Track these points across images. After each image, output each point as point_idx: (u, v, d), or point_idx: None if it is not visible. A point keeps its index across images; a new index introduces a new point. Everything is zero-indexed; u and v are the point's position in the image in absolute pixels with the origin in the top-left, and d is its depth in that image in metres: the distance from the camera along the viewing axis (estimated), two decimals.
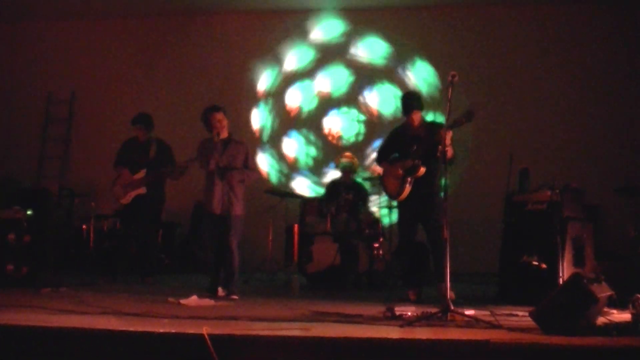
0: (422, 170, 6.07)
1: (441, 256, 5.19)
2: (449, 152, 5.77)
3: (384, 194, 6.98)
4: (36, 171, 10.84)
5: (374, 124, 10.26)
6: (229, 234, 6.38)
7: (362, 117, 10.38)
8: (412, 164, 6.15)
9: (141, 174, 7.70)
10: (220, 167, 6.42)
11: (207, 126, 6.54)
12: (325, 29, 10.65)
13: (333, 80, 10.57)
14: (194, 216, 10.06)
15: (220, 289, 6.36)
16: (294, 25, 10.65)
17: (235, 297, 6.21)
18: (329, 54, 10.59)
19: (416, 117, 6.39)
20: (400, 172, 6.25)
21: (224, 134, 6.55)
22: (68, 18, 10.93)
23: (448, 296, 4.67)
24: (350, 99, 10.46)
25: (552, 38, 9.95)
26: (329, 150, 10.32)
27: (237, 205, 6.43)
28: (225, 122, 6.54)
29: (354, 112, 10.46)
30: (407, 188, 6.18)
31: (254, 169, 6.79)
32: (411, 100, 6.49)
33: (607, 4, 9.81)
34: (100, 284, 7.32)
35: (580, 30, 9.89)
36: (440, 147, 5.42)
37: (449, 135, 5.62)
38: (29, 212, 7.15)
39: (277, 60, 10.67)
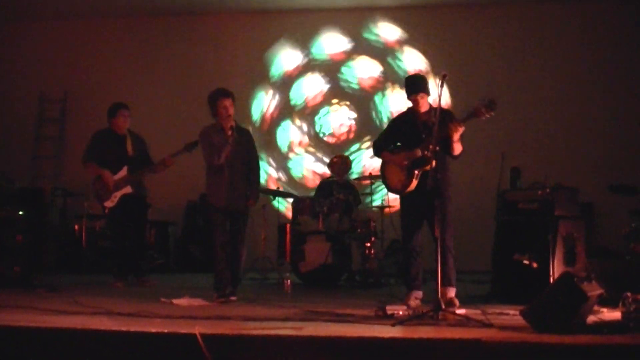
0: (433, 163, 5.00)
1: (444, 258, 4.99)
2: (457, 148, 5.44)
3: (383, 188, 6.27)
4: (30, 171, 10.82)
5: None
6: (239, 232, 6.11)
7: (353, 115, 10.42)
8: (421, 155, 5.42)
9: (123, 172, 7.23)
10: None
11: (213, 111, 6.00)
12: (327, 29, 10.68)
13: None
14: (188, 215, 10.04)
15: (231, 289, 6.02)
16: (291, 25, 10.65)
17: (234, 298, 5.97)
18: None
19: (423, 101, 5.57)
20: (406, 163, 5.54)
21: (230, 123, 6.00)
22: (60, 18, 10.90)
23: (440, 295, 4.68)
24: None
25: (544, 37, 9.97)
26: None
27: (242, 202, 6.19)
28: (232, 110, 5.98)
29: (344, 109, 10.49)
30: (415, 182, 5.50)
31: (257, 160, 6.38)
32: (417, 81, 5.66)
33: (603, 3, 9.83)
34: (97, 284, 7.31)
35: (573, 29, 9.91)
36: (452, 142, 5.12)
37: (459, 131, 5.27)
38: (20, 212, 7.13)
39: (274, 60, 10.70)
